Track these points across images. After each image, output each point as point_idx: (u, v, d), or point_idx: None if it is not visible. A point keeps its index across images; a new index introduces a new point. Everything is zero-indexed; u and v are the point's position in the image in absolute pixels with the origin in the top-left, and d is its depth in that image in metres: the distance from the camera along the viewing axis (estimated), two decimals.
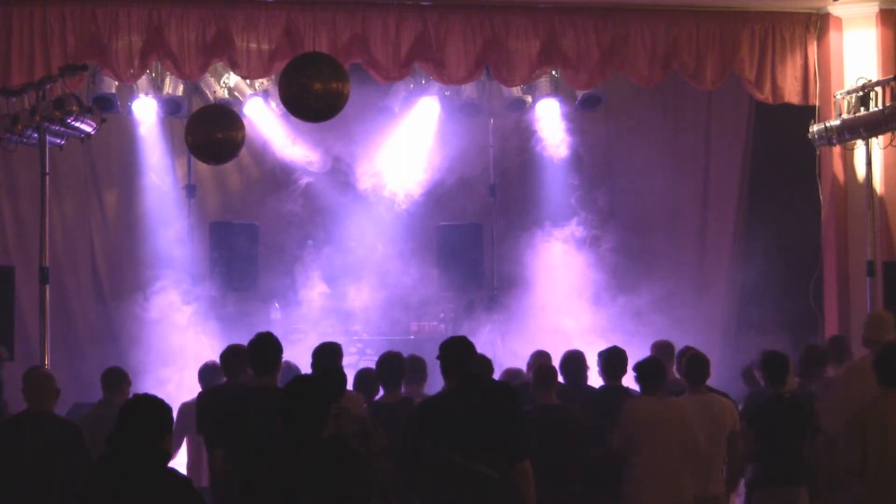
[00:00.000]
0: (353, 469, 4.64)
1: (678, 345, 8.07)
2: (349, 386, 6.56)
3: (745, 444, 7.00)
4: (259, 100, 11.67)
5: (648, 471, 6.51)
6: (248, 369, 6.52)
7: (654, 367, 6.77)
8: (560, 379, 7.42)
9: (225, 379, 7.27)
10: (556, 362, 7.72)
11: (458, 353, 5.77)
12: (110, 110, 10.65)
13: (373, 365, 11.14)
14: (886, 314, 7.62)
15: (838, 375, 7.56)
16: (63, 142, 9.23)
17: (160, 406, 4.65)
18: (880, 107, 9.85)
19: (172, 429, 4.72)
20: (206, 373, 7.92)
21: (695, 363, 7.03)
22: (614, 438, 6.64)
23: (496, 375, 7.27)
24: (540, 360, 7.75)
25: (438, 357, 5.87)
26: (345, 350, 7.38)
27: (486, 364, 6.94)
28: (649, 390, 6.71)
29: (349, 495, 4.56)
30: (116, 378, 7.41)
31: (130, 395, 6.19)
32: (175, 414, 7.31)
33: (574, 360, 7.55)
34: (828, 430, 6.73)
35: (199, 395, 7.61)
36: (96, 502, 4.48)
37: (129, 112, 11.49)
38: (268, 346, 6.06)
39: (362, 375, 7.25)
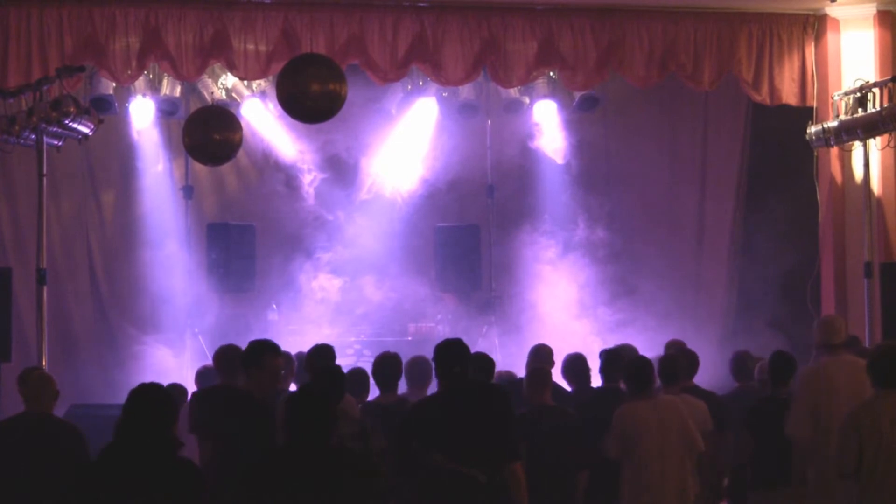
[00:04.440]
0: (360, 473, 4.62)
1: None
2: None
3: (742, 446, 6.99)
4: (257, 101, 11.67)
5: (647, 474, 6.35)
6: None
7: (643, 368, 6.55)
8: (565, 383, 7.42)
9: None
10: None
11: (452, 356, 5.76)
12: (108, 111, 10.63)
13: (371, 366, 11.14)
14: (837, 319, 7.52)
15: (797, 383, 7.47)
16: (60, 143, 9.20)
17: (167, 394, 4.74)
18: (878, 108, 9.85)
19: (177, 419, 4.78)
20: (204, 376, 7.92)
21: (666, 363, 6.92)
22: (608, 446, 6.46)
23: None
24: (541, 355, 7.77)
25: (433, 359, 5.87)
26: (342, 351, 7.38)
27: (487, 363, 6.94)
28: (638, 392, 6.48)
29: (353, 498, 4.55)
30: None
31: None
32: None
33: (577, 363, 7.54)
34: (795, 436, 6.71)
35: (193, 395, 7.59)
36: (102, 489, 4.47)
37: (127, 113, 11.48)
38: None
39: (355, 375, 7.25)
